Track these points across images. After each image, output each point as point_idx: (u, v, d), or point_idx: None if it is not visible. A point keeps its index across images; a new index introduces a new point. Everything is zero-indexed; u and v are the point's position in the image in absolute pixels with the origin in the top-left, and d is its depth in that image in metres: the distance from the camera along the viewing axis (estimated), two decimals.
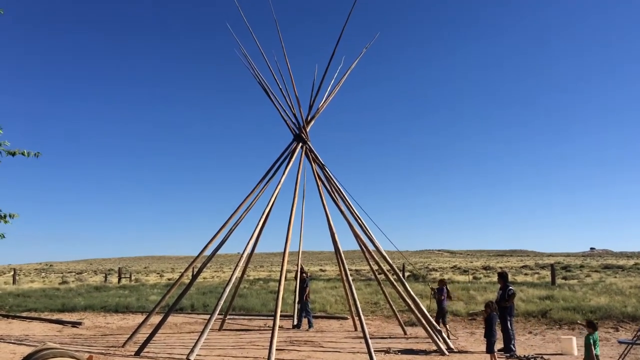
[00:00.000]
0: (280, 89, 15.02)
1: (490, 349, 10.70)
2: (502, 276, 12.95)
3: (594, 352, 8.98)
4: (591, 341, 9.06)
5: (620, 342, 12.42)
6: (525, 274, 47.44)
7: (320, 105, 15.25)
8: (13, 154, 8.52)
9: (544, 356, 11.52)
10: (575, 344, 12.11)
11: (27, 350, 7.93)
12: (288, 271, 16.71)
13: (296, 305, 16.95)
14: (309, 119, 15.11)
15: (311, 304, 18.08)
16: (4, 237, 8.92)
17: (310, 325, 16.51)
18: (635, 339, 11.34)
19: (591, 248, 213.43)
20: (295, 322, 16.69)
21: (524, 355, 11.53)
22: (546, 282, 27.01)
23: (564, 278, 36.46)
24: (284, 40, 15.06)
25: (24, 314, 20.35)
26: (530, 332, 15.24)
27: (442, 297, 14.93)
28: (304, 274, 17.24)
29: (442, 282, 15.67)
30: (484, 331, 11.17)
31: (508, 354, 11.72)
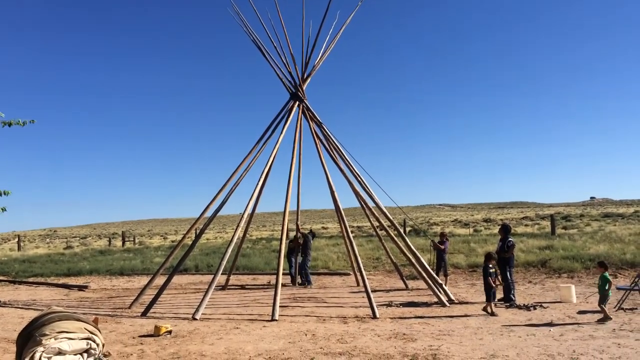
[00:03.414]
0: (275, 46, 14.74)
1: (487, 298, 11.02)
2: (505, 228, 13.03)
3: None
4: (609, 278, 10.01)
5: (618, 289, 12.59)
6: (526, 225, 47.82)
7: (316, 62, 14.99)
8: (9, 125, 8.44)
9: (544, 304, 11.70)
10: (574, 291, 12.28)
11: (34, 315, 8.04)
12: (290, 230, 16.81)
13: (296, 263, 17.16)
14: (305, 76, 14.89)
15: (312, 262, 18.28)
16: (5, 210, 8.99)
17: (311, 282, 16.72)
18: (633, 285, 11.52)
19: (591, 197, 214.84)
20: (300, 281, 16.88)
21: (524, 304, 11.71)
22: (546, 233, 27.25)
23: (564, 228, 36.77)
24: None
25: (31, 279, 20.60)
26: (530, 282, 15.46)
27: (444, 249, 15.18)
28: (302, 233, 17.34)
29: (442, 235, 15.84)
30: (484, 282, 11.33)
31: (508, 304, 11.90)
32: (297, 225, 17.33)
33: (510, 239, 12.62)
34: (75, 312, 7.87)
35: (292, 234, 17.52)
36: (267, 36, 14.74)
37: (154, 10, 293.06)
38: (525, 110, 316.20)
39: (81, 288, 18.02)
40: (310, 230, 18.40)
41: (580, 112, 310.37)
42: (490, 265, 11.37)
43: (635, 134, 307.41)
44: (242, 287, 17.19)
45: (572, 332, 8.97)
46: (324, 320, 10.83)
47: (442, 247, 15.11)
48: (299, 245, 17.12)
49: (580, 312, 10.78)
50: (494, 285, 11.12)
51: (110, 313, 12.42)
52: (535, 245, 20.22)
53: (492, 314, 10.75)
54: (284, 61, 14.76)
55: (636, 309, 10.79)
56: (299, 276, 16.95)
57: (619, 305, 10.87)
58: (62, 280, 20.27)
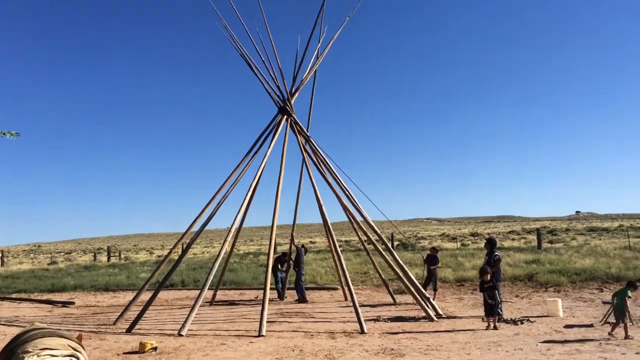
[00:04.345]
0: (263, 61, 14.80)
1: (487, 314, 11.05)
2: (490, 242, 13.08)
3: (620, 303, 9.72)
4: (629, 294, 9.86)
5: (604, 303, 12.67)
6: (513, 239, 48.10)
7: (304, 76, 15.08)
8: (3, 134, 8.35)
9: (531, 319, 11.72)
10: (560, 305, 12.32)
11: (17, 331, 7.89)
12: (278, 244, 16.76)
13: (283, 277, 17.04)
14: (293, 91, 14.95)
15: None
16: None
17: (305, 298, 16.47)
18: None
19: (577, 211, 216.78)
20: (301, 297, 16.54)
21: (511, 319, 11.72)
22: (532, 247, 27.42)
23: (550, 242, 37.05)
24: (266, 11, 14.80)
25: (14, 295, 20.26)
26: (517, 296, 15.50)
27: (438, 265, 15.29)
28: (295, 245, 17.24)
29: (434, 250, 15.87)
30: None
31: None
32: (292, 237, 17.27)
33: (496, 253, 12.65)
34: (58, 329, 7.74)
35: (280, 249, 17.47)
36: (256, 50, 14.83)
37: (141, 21, 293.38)
38: (511, 124, 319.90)
39: (65, 304, 17.77)
40: (302, 245, 18.32)
41: (566, 126, 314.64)
42: (486, 280, 11.33)
43: (619, 149, 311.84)
44: (230, 302, 17.05)
45: (559, 346, 8.99)
46: (312, 335, 10.75)
47: (438, 264, 15.30)
48: (288, 260, 17.05)
49: (567, 326, 10.81)
50: (489, 300, 11.02)
51: (94, 329, 12.23)
52: (522, 259, 20.30)
53: (495, 328, 10.74)
54: (272, 75, 14.82)
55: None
56: (297, 292, 16.71)
57: (604, 319, 10.91)
58: (45, 296, 19.97)
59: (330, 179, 14.38)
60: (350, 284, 12.12)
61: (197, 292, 13.22)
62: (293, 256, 17.04)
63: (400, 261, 13.74)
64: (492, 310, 10.99)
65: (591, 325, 10.80)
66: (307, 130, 15.29)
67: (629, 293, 9.80)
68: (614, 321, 9.78)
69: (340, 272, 14.88)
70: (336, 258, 14.74)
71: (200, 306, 11.96)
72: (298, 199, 16.61)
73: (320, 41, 15.39)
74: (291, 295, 17.44)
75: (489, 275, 11.43)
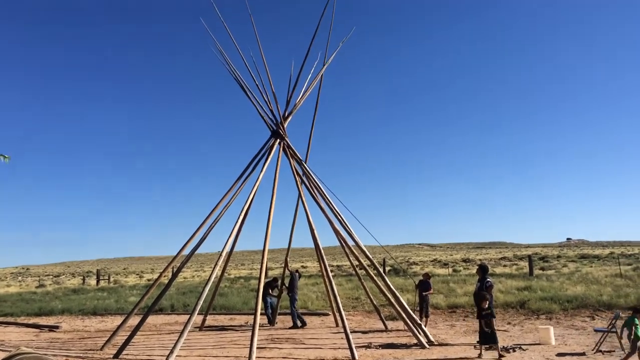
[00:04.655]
0: (257, 85, 14.91)
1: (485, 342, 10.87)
2: (482, 268, 13.04)
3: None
4: (637, 322, 9.52)
5: (596, 331, 12.62)
6: (504, 266, 48.03)
7: (298, 100, 15.18)
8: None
9: (523, 346, 11.64)
10: (552, 333, 12.25)
11: (2, 356, 7.75)
12: (269, 268, 16.66)
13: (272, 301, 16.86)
14: (286, 114, 15.03)
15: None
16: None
17: (297, 324, 16.28)
18: (610, 327, 11.54)
19: (568, 238, 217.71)
20: (295, 322, 16.38)
21: (503, 346, 11.63)
22: (524, 273, 27.38)
23: (542, 269, 37.02)
24: (260, 35, 14.96)
25: (0, 319, 19.93)
26: (509, 323, 15.41)
27: (430, 291, 15.26)
28: (289, 270, 17.12)
29: (426, 276, 15.82)
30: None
31: (487, 345, 11.80)
32: (286, 262, 17.17)
33: (488, 279, 12.60)
34: (45, 354, 7.62)
35: (271, 273, 17.36)
36: (250, 75, 14.94)
37: (134, 47, 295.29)
38: (503, 151, 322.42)
39: (52, 328, 17.48)
40: (296, 270, 18.19)
41: (558, 154, 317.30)
42: (484, 307, 11.14)
43: (611, 177, 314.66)
44: (219, 327, 16.83)
45: None
46: None
47: (431, 290, 15.30)
48: (281, 285, 16.92)
49: (559, 355, 10.75)
50: (485, 328, 10.84)
51: (81, 355, 12.03)
52: (514, 286, 20.26)
53: (500, 356, 10.59)
54: (266, 99, 14.91)
55: (614, 351, 10.79)
56: (292, 318, 16.48)
57: (596, 347, 10.88)
58: (32, 320, 19.66)
59: (322, 203, 14.37)
60: (342, 310, 12.02)
61: (187, 316, 13.06)
62: (287, 281, 16.91)
63: (392, 287, 13.66)
64: (488, 339, 10.81)
65: (583, 354, 10.74)
66: (306, 161, 15.28)
67: (637, 321, 9.55)
68: (629, 351, 9.52)
69: (332, 297, 14.76)
70: (328, 283, 14.64)
71: (189, 331, 11.81)
72: (294, 224, 16.52)
73: (314, 66, 15.55)
74: (281, 320, 17.26)
75: (487, 303, 11.12)
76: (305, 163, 15.06)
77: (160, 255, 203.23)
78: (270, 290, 17.14)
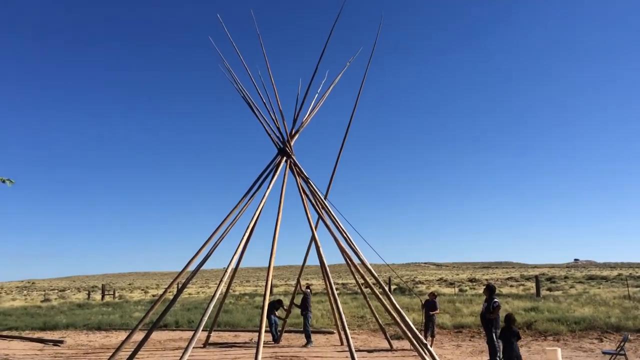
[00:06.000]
0: (264, 102, 15.00)
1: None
2: (489, 288, 12.96)
3: None
4: None
5: (604, 353, 12.47)
6: (511, 286, 47.65)
7: (305, 119, 15.25)
8: (2, 181, 8.44)
9: None
10: (560, 355, 12.11)
11: None
12: (274, 285, 16.63)
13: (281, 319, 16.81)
14: (293, 132, 15.10)
15: (296, 319, 17.95)
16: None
17: (312, 342, 16.23)
18: (619, 349, 11.42)
19: (575, 259, 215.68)
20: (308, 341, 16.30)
21: None
22: (531, 294, 27.15)
23: (549, 289, 36.69)
24: (268, 54, 15.11)
25: (4, 333, 19.94)
26: None
27: (436, 311, 15.21)
28: (302, 289, 17.13)
29: (432, 295, 15.74)
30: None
31: None
32: (298, 281, 17.17)
33: (495, 300, 12.52)
34: None
35: (276, 290, 17.33)
36: (257, 92, 15.05)
37: (140, 65, 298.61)
38: (510, 170, 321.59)
39: (56, 343, 17.46)
40: (308, 286, 18.20)
41: (566, 173, 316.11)
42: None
43: (618, 198, 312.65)
44: (224, 344, 16.75)
45: None
46: None
47: (437, 310, 15.23)
48: (290, 306, 16.91)
49: None
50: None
51: None
52: (521, 307, 20.08)
53: None
54: (273, 117, 15.00)
55: None
56: (305, 336, 16.45)
57: None
58: (37, 335, 19.65)
59: (328, 221, 14.35)
60: (347, 328, 11.93)
61: (191, 333, 13.02)
62: (298, 299, 16.90)
63: (397, 306, 13.56)
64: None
65: None
66: (326, 197, 15.15)
67: None
68: None
69: (337, 315, 14.66)
70: (333, 301, 14.57)
71: (193, 348, 11.76)
72: (311, 243, 16.30)
73: (321, 85, 15.66)
74: (286, 338, 17.17)
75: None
76: (326, 199, 14.93)
77: (165, 271, 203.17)
78: (275, 311, 17.14)
